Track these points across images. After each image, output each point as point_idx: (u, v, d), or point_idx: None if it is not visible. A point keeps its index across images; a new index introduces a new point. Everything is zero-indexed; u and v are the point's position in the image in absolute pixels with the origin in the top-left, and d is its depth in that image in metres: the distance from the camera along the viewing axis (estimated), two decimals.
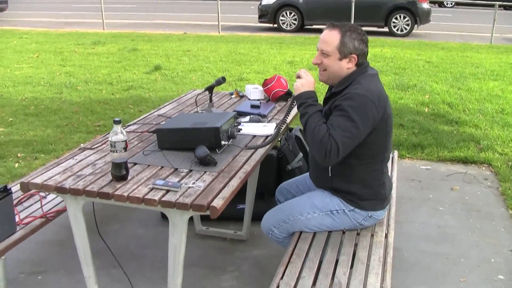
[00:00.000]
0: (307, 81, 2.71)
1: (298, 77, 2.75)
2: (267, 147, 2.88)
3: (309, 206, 2.79)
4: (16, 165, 5.02)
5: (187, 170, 2.53)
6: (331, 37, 2.64)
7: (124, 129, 3.12)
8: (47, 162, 5.06)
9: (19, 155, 5.30)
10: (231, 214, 3.84)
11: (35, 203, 3.19)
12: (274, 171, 3.96)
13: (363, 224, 2.81)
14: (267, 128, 3.14)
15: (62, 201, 3.14)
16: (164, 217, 3.99)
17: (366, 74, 2.68)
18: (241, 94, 4.06)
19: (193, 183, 2.36)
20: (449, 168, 5.18)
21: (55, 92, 7.95)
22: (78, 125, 6.28)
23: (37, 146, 5.54)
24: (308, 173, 3.09)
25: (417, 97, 7.65)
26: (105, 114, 6.73)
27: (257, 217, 3.70)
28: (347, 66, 2.65)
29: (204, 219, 3.87)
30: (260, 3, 16.18)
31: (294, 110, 3.29)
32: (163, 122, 3.30)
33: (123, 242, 3.73)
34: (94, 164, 2.63)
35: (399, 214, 4.11)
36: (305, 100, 2.66)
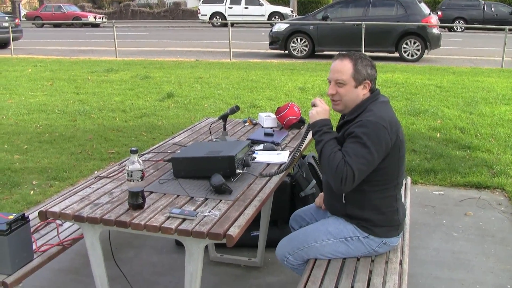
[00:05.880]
0: (322, 109, 2.76)
1: (313, 105, 2.79)
2: (282, 174, 2.90)
3: (323, 233, 2.81)
4: (31, 192, 5.08)
5: (203, 198, 2.57)
6: (344, 66, 2.70)
7: (139, 157, 3.16)
8: (62, 190, 5.12)
9: (34, 182, 5.36)
10: (245, 241, 3.85)
11: (51, 230, 3.22)
12: (287, 198, 3.98)
13: (378, 251, 2.82)
14: (281, 156, 3.17)
15: (79, 228, 3.17)
16: (178, 244, 4.00)
17: (378, 101, 2.73)
18: (254, 122, 4.10)
19: (209, 212, 2.39)
20: (462, 193, 5.16)
21: (69, 119, 8.05)
22: (92, 153, 6.34)
23: (51, 174, 5.60)
24: None
25: (428, 122, 7.66)
26: (119, 141, 6.80)
27: (270, 244, 3.72)
28: (362, 92, 2.72)
29: (218, 246, 3.88)
30: (271, 30, 16.38)
31: (308, 138, 3.32)
32: (178, 151, 3.34)
33: (137, 269, 3.75)
34: (111, 192, 2.67)
35: (412, 240, 4.10)
36: (320, 127, 2.70)
